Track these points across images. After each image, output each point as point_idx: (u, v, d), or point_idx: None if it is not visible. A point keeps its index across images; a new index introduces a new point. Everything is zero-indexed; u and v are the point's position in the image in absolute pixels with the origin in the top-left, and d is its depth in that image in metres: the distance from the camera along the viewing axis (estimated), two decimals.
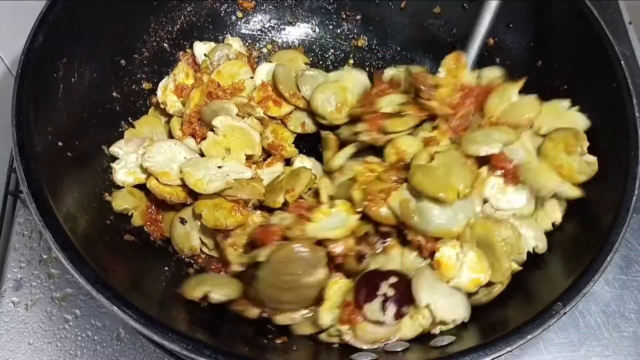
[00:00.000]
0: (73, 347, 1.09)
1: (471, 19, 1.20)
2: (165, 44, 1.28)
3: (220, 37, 1.37)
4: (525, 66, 1.22)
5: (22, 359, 1.08)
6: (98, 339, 1.09)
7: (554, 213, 0.99)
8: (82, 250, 0.84)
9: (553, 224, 0.99)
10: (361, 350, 0.92)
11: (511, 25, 1.23)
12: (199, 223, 1.04)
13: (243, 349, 0.89)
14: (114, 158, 1.12)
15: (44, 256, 1.17)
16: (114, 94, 1.17)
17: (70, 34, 1.04)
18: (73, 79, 1.05)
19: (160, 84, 1.22)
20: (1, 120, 1.04)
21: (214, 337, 0.90)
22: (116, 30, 1.16)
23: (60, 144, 0.99)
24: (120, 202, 1.07)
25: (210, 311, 0.99)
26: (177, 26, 1.30)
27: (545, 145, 0.98)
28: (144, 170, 1.08)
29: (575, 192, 0.96)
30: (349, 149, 1.11)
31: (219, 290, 0.94)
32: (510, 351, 0.79)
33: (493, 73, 1.16)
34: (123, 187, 1.09)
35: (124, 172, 1.09)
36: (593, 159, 0.97)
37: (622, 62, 1.01)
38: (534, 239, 0.97)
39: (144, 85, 1.24)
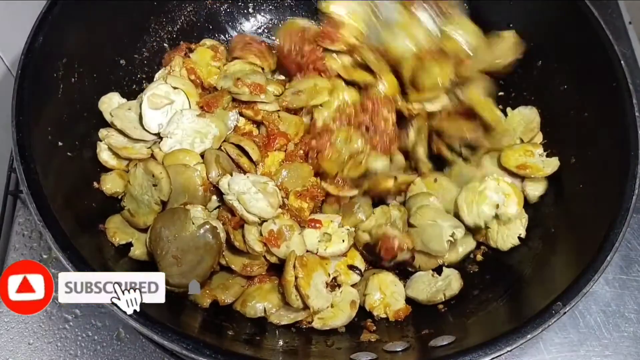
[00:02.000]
0: (73, 347, 1.09)
1: (472, 19, 1.20)
2: (165, 44, 1.28)
3: (221, 37, 1.37)
4: (525, 66, 1.22)
5: (22, 359, 1.08)
6: (98, 339, 1.09)
7: (517, 229, 1.08)
8: (82, 250, 0.84)
9: (519, 237, 1.08)
10: (361, 350, 0.92)
11: (511, 25, 1.23)
12: None
13: (243, 349, 0.89)
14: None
15: (44, 256, 1.17)
16: None
17: (70, 34, 1.04)
18: (73, 79, 1.05)
19: (157, 75, 1.24)
20: (1, 120, 1.04)
21: (213, 337, 0.90)
22: (116, 30, 1.16)
23: (60, 144, 0.99)
24: (110, 185, 1.07)
25: (210, 311, 0.99)
26: (177, 26, 1.30)
27: (505, 153, 1.13)
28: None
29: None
30: None
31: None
32: (510, 351, 0.79)
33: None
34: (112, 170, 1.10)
35: (109, 154, 1.10)
36: (553, 158, 1.10)
37: (622, 62, 1.01)
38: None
39: (144, 85, 1.24)
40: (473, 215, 1.07)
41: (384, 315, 1.03)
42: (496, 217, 1.07)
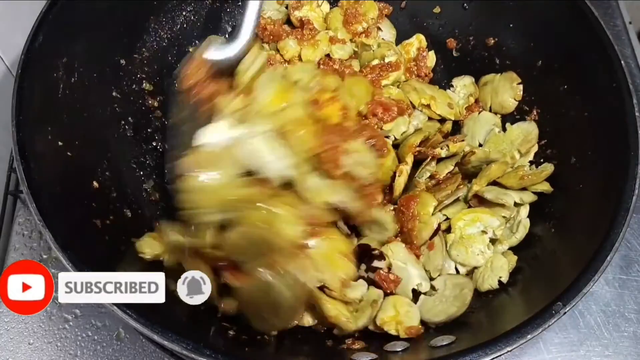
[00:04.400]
0: (73, 347, 1.09)
1: (472, 19, 1.20)
2: (165, 44, 1.28)
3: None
4: (525, 66, 1.22)
5: (22, 359, 1.08)
6: (98, 339, 1.09)
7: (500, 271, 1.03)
8: (83, 250, 0.84)
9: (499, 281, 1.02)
10: (361, 350, 0.92)
11: (511, 25, 1.23)
12: None
13: (243, 349, 0.89)
14: None
15: (44, 256, 1.17)
16: (114, 93, 1.16)
17: (70, 33, 1.04)
18: (73, 79, 1.05)
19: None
20: (1, 120, 1.04)
21: (214, 337, 0.90)
22: (116, 30, 1.16)
23: (60, 144, 0.99)
24: (150, 250, 1.02)
25: (210, 311, 0.99)
26: (177, 26, 1.30)
27: (503, 179, 1.10)
28: None
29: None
30: None
31: None
32: (510, 351, 0.79)
33: (463, 81, 1.28)
34: None
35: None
36: (547, 164, 1.11)
37: (622, 62, 1.01)
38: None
39: (144, 85, 1.24)
40: (471, 259, 1.05)
41: (394, 333, 0.97)
42: (495, 240, 1.06)
